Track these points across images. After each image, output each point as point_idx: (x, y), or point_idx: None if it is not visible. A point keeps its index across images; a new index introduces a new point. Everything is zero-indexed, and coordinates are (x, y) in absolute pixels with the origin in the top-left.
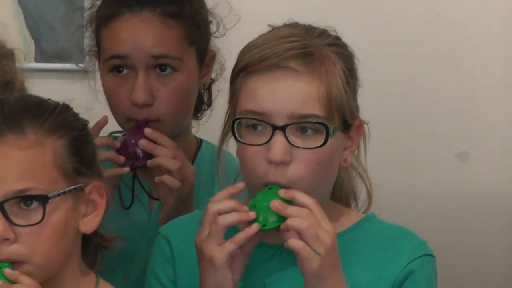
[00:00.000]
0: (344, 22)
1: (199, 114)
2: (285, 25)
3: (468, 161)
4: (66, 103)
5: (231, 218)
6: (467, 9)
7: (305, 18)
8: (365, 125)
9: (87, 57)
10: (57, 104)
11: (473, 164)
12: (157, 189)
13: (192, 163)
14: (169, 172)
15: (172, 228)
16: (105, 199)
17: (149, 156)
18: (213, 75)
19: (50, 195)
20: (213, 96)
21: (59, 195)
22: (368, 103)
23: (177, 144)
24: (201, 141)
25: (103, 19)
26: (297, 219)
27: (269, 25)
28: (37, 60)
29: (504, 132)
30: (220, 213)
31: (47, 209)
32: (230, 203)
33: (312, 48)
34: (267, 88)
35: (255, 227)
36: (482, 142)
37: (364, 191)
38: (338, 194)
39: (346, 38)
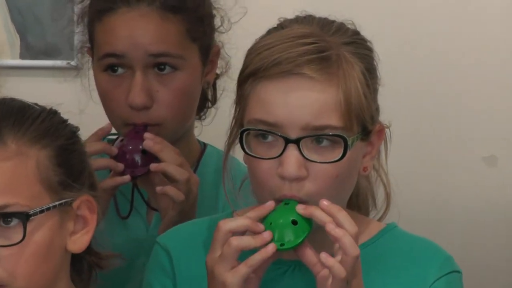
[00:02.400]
0: (360, 15)
1: (202, 113)
2: (297, 20)
3: (497, 165)
4: (53, 108)
5: (246, 242)
6: (497, 9)
7: (317, 9)
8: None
9: (79, 55)
10: (41, 110)
11: (502, 169)
12: (157, 199)
13: (195, 170)
14: (173, 181)
15: (171, 238)
16: (96, 214)
17: (149, 163)
18: (217, 71)
19: (31, 212)
20: (218, 94)
21: (42, 211)
22: (388, 103)
23: (178, 149)
24: (204, 145)
25: (96, 13)
26: (349, 240)
27: (279, 19)
28: (22, 56)
29: None
30: (233, 232)
31: (29, 227)
32: (244, 221)
33: (329, 52)
34: (279, 97)
35: (271, 248)
36: None
37: (381, 194)
38: (355, 201)
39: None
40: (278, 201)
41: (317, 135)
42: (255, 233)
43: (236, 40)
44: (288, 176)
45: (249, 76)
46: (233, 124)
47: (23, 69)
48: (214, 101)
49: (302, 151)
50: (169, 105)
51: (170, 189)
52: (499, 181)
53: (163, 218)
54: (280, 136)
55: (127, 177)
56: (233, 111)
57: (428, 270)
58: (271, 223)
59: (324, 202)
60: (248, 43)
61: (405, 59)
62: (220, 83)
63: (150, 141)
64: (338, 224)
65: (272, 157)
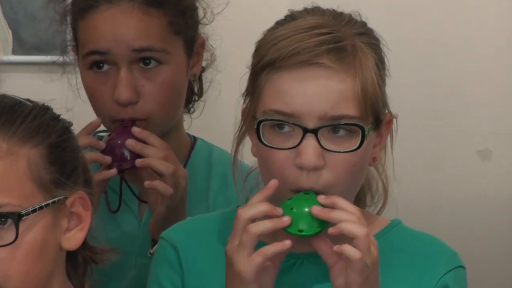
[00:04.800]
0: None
1: (190, 105)
2: (308, 11)
3: (491, 159)
4: (46, 104)
5: (264, 226)
6: (496, 4)
7: (306, 2)
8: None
9: (66, 52)
10: (33, 107)
11: (496, 162)
12: (146, 194)
13: (186, 164)
14: (160, 175)
15: (177, 233)
16: (90, 211)
17: (138, 156)
18: (203, 64)
19: (23, 212)
20: (205, 87)
21: (34, 211)
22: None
23: (168, 143)
24: (195, 139)
25: (79, 12)
26: (353, 223)
27: (290, 10)
28: (15, 52)
29: None
30: (253, 219)
31: (22, 227)
32: (263, 207)
33: (345, 42)
34: (297, 87)
35: (288, 243)
36: (506, 138)
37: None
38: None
39: None
40: (294, 192)
41: (335, 125)
42: (273, 217)
43: (220, 31)
44: (307, 165)
45: (265, 67)
46: (244, 116)
47: (15, 65)
48: (201, 94)
49: (320, 140)
50: (156, 99)
51: (158, 184)
52: (493, 175)
53: (152, 213)
54: (298, 125)
55: (113, 171)
56: (242, 103)
57: (435, 265)
58: (291, 209)
59: (322, 197)
60: (232, 33)
61: (399, 54)
62: (206, 75)
63: (132, 140)
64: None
65: (289, 147)
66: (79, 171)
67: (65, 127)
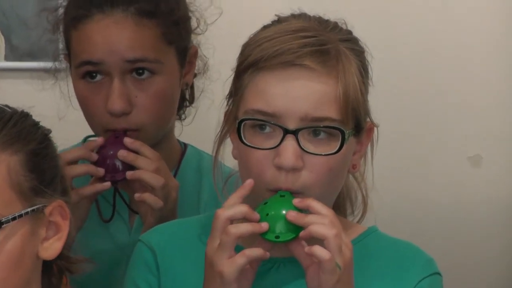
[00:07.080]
0: (340, 16)
1: (181, 112)
2: (294, 17)
3: (482, 165)
4: (25, 110)
5: (244, 229)
6: (482, 8)
7: (297, 9)
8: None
9: (58, 60)
10: (13, 113)
11: (486, 169)
12: (137, 204)
13: (176, 171)
14: (151, 187)
15: (155, 236)
16: (69, 220)
17: (130, 167)
18: (195, 71)
19: (3, 219)
20: (197, 94)
21: (14, 219)
22: (371, 102)
23: (159, 151)
24: (185, 145)
25: (72, 21)
26: (322, 225)
27: (276, 15)
28: (7, 58)
29: None
30: (231, 220)
31: (1, 235)
32: (242, 208)
33: (329, 45)
34: (280, 87)
35: (268, 255)
36: (497, 145)
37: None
38: (335, 202)
39: None
40: (271, 192)
41: (315, 127)
42: (251, 221)
43: (213, 40)
44: (286, 166)
45: (249, 67)
46: (226, 117)
47: (7, 71)
48: (192, 100)
49: (299, 142)
50: (149, 110)
51: (148, 196)
52: (483, 181)
53: (143, 223)
54: (278, 126)
55: (107, 184)
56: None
57: (411, 271)
58: (267, 214)
59: (296, 200)
60: (225, 43)
61: (389, 58)
62: (198, 84)
63: (124, 151)
64: (316, 212)
65: (269, 148)
66: (58, 180)
67: (44, 134)
